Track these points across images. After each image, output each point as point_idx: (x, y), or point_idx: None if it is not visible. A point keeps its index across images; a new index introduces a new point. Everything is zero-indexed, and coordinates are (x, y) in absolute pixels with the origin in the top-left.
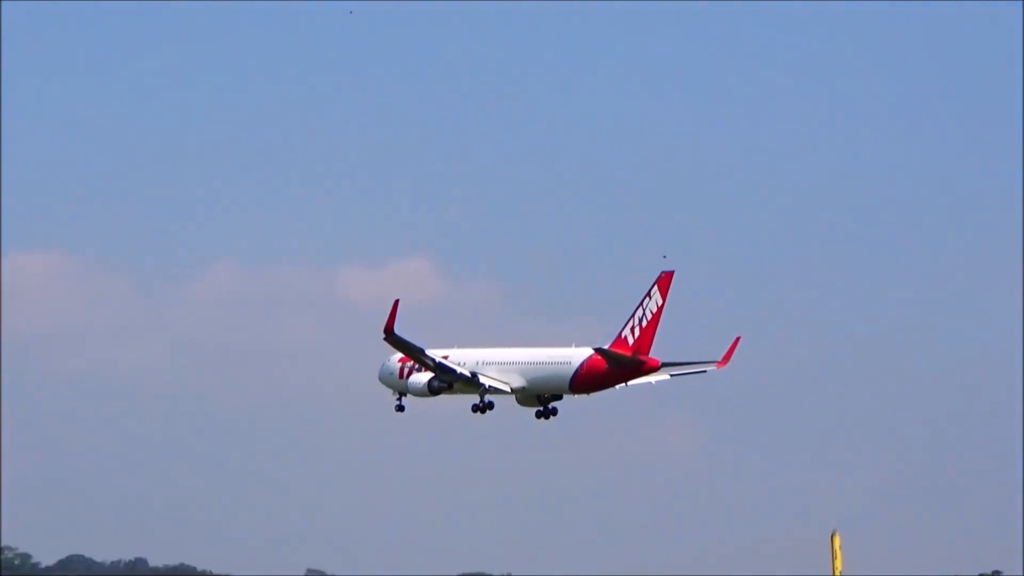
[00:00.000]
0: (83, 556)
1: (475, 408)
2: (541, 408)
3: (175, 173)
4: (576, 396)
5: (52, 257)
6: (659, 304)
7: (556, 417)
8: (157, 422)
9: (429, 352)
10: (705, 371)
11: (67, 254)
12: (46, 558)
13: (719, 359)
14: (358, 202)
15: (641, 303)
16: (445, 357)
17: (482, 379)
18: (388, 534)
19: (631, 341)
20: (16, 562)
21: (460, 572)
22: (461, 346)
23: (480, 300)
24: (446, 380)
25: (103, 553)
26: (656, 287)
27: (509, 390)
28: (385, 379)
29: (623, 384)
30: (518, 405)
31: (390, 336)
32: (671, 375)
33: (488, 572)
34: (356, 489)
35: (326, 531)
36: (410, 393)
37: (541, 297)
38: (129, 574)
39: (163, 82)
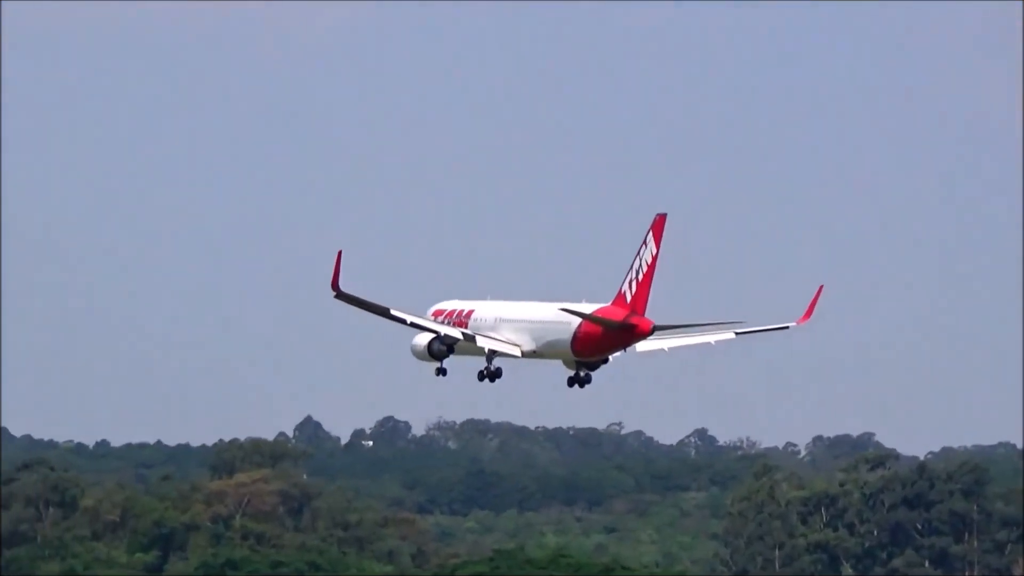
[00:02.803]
0: None
1: (481, 375)
2: (572, 373)
3: None
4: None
5: None
6: (653, 253)
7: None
8: None
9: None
10: (787, 327)
11: None
12: None
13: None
14: None
15: (638, 252)
16: (470, 312)
17: (480, 340)
18: None
19: (629, 298)
20: None
21: None
22: (495, 297)
23: None
24: (448, 341)
25: None
26: (650, 233)
27: (519, 354)
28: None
29: (622, 350)
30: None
31: (340, 294)
32: (736, 333)
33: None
34: None
35: None
36: (414, 356)
37: None
38: None
39: None
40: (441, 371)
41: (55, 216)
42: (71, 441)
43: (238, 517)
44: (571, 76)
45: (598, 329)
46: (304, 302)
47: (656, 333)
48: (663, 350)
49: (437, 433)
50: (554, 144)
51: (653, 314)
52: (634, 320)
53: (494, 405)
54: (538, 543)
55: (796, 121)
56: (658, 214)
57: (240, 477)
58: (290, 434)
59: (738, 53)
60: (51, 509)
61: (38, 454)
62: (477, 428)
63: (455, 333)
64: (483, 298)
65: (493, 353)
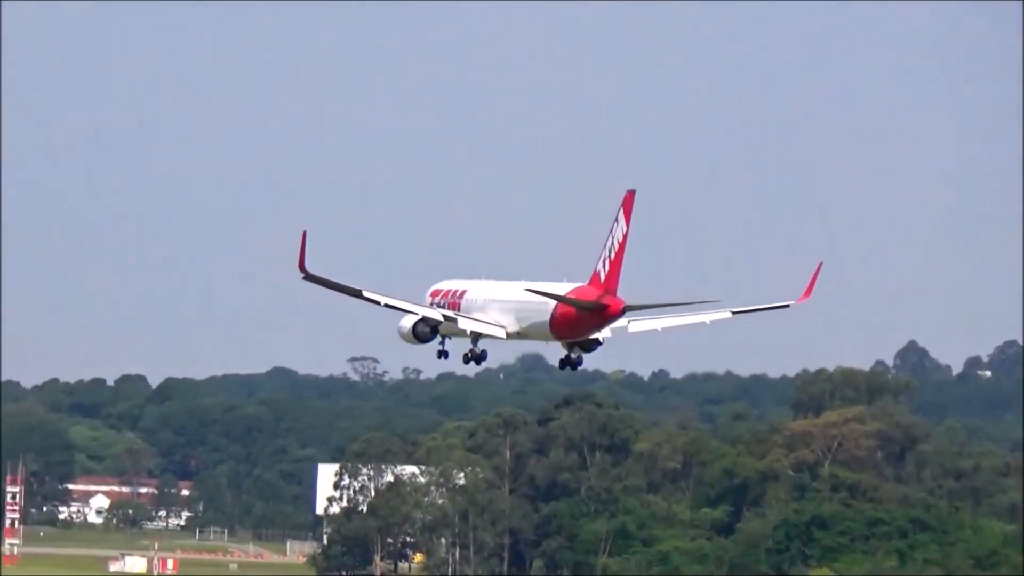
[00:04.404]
0: None
1: (466, 358)
2: (564, 355)
3: None
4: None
5: None
6: (624, 231)
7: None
8: None
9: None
10: (788, 306)
11: None
12: None
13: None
14: None
15: (611, 230)
16: (463, 292)
17: (462, 322)
18: None
19: (603, 277)
20: None
21: None
22: (489, 277)
23: None
24: (430, 323)
25: None
26: (621, 210)
27: (504, 336)
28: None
29: (598, 331)
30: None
31: (307, 275)
32: (733, 312)
33: None
34: None
35: None
36: (401, 338)
37: None
38: None
39: None
40: (443, 353)
41: None
42: (622, 371)
43: (827, 464)
44: (553, 59)
45: (571, 310)
46: None
47: (629, 313)
48: (657, 330)
49: None
50: (558, 120)
51: (628, 293)
52: (605, 300)
53: None
54: None
55: (768, 99)
56: (628, 190)
57: (829, 416)
58: (889, 363)
59: (721, 27)
60: (598, 455)
61: (582, 388)
62: None
63: (435, 315)
64: (479, 278)
65: (477, 335)
